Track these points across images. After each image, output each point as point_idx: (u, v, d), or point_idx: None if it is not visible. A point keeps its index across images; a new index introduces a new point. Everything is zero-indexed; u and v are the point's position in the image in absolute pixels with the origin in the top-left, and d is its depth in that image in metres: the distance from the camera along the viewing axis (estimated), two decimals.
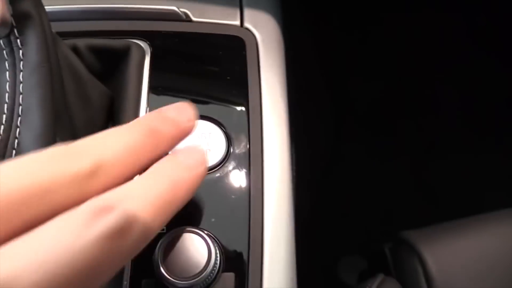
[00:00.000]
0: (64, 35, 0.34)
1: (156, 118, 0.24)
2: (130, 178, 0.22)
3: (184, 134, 0.26)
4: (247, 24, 0.40)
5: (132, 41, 0.37)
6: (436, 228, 0.51)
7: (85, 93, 0.33)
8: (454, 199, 0.93)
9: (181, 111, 0.26)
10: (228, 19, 0.40)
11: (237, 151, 0.33)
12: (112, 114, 0.36)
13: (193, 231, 0.29)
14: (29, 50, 0.27)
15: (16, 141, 0.27)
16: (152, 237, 0.22)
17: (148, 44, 0.37)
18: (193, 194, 0.24)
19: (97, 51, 0.36)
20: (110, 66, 0.36)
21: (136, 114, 0.34)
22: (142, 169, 0.23)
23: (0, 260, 0.17)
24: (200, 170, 0.25)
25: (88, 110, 0.33)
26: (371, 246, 0.68)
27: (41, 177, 0.19)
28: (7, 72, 0.28)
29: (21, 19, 0.27)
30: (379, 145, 1.00)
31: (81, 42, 0.35)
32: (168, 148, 0.25)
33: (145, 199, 0.21)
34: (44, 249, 0.18)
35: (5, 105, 0.27)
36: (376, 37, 1.03)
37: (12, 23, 0.27)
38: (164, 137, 0.24)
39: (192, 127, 0.26)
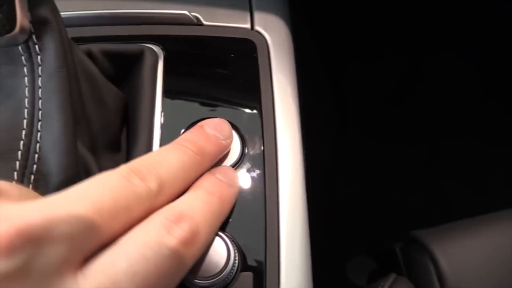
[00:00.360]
0: (78, 40, 0.35)
1: (201, 136, 0.28)
2: (183, 191, 0.26)
3: (224, 150, 0.30)
4: (257, 27, 0.41)
5: (145, 46, 0.37)
6: (446, 226, 0.52)
7: (101, 97, 0.34)
8: (462, 198, 0.93)
9: (220, 129, 0.29)
10: (238, 22, 0.41)
11: (251, 152, 0.33)
12: (127, 117, 0.36)
13: None
14: (47, 56, 0.28)
15: (38, 145, 0.27)
16: (205, 247, 0.25)
17: (160, 48, 0.37)
18: (231, 208, 0.28)
19: (111, 56, 0.36)
20: (123, 70, 0.37)
21: (151, 117, 0.34)
22: (191, 183, 0.26)
23: (101, 267, 0.20)
24: (237, 187, 0.28)
25: (104, 114, 0.34)
26: (380, 246, 0.68)
27: (120, 196, 0.21)
28: (26, 78, 0.28)
29: (39, 25, 0.28)
30: (386, 146, 1.00)
31: (95, 47, 0.36)
32: (211, 164, 0.28)
33: (204, 212, 0.24)
34: (135, 256, 0.20)
35: (25, 110, 0.28)
36: (381, 39, 1.04)
37: (30, 29, 0.27)
38: (210, 154, 0.27)
39: (229, 145, 0.30)
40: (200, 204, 0.25)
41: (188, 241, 0.22)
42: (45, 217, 0.19)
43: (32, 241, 0.18)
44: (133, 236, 0.21)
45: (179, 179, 0.25)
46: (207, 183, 0.26)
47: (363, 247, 0.92)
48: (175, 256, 0.21)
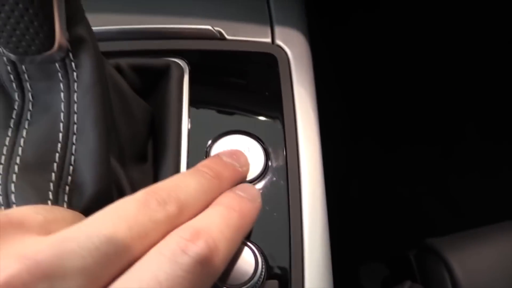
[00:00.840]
0: (106, 54, 0.36)
1: (219, 163, 0.29)
2: (202, 211, 0.26)
3: (241, 177, 0.30)
4: (278, 41, 0.42)
5: (171, 60, 0.38)
6: (461, 235, 0.52)
7: (129, 109, 0.35)
8: (475, 205, 0.93)
9: (236, 157, 0.30)
10: (259, 36, 0.42)
11: (274, 164, 0.35)
12: (154, 129, 0.38)
13: None
14: (83, 73, 0.29)
15: (73, 157, 0.28)
16: (227, 262, 0.24)
17: (186, 62, 0.39)
18: (254, 224, 0.27)
19: (139, 70, 0.38)
20: (150, 83, 0.38)
21: (179, 129, 0.36)
22: (210, 203, 0.26)
23: None
24: (258, 202, 0.28)
25: (132, 126, 0.35)
26: (393, 252, 0.69)
27: (136, 224, 0.22)
28: (62, 93, 0.29)
29: (75, 43, 0.29)
30: (398, 153, 1.01)
31: (124, 62, 0.37)
32: (229, 187, 0.28)
33: (221, 226, 0.24)
34: (148, 280, 0.20)
35: (61, 124, 0.29)
36: (393, 48, 1.04)
37: (67, 48, 0.28)
38: (227, 179, 0.28)
39: (246, 172, 0.31)
40: (217, 219, 0.24)
41: (205, 259, 0.22)
42: (56, 253, 0.19)
43: (44, 279, 0.18)
44: (148, 259, 0.21)
45: (199, 201, 0.25)
46: (226, 198, 0.27)
47: (375, 253, 0.92)
48: (191, 276, 0.21)
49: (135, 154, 0.35)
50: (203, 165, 0.28)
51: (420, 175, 0.99)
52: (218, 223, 0.24)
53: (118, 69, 0.37)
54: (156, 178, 0.35)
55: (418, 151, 1.00)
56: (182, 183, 0.25)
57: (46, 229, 0.21)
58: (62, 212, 0.24)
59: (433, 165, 1.00)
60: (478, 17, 0.98)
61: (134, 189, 0.32)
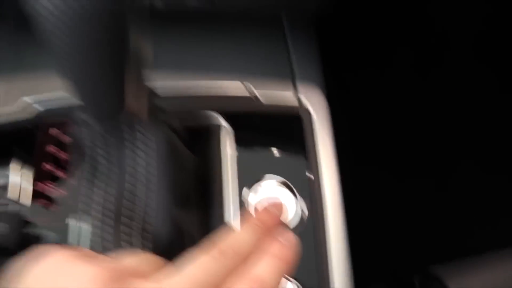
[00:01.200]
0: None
1: (265, 215, 0.36)
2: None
3: (280, 223, 0.37)
4: (301, 96, 0.49)
5: (215, 119, 0.46)
6: (465, 262, 0.56)
7: (181, 161, 0.41)
8: (483, 230, 0.97)
9: (277, 207, 0.37)
10: (283, 89, 0.50)
11: (305, 211, 0.42)
12: (202, 176, 0.44)
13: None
14: (149, 135, 0.35)
15: (144, 207, 0.34)
16: None
17: (228, 122, 0.47)
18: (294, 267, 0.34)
19: (188, 128, 0.44)
20: (196, 138, 0.45)
21: (220, 176, 0.44)
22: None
23: None
24: (297, 248, 0.34)
25: (182, 174, 0.41)
26: (398, 277, 0.73)
27: (214, 274, 0.29)
28: (131, 152, 0.35)
29: (143, 109, 0.35)
30: (402, 176, 1.04)
31: (177, 123, 0.43)
32: (271, 232, 0.35)
33: (273, 275, 0.31)
34: None
35: (131, 179, 0.35)
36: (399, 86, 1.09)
37: (136, 114, 0.34)
38: (271, 226, 0.35)
39: (283, 217, 0.38)
40: (267, 267, 0.32)
41: None
42: None
43: None
44: None
45: (250, 247, 0.33)
46: (273, 248, 0.33)
47: (382, 278, 0.95)
48: None
49: (186, 198, 0.41)
50: (254, 219, 0.35)
51: (424, 202, 1.03)
52: (268, 271, 0.31)
53: (172, 128, 0.43)
54: (204, 222, 0.42)
55: (421, 181, 1.04)
56: (240, 238, 0.33)
57: (143, 273, 0.28)
58: (150, 258, 0.31)
59: (436, 193, 1.05)
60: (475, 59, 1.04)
61: (189, 230, 0.39)
